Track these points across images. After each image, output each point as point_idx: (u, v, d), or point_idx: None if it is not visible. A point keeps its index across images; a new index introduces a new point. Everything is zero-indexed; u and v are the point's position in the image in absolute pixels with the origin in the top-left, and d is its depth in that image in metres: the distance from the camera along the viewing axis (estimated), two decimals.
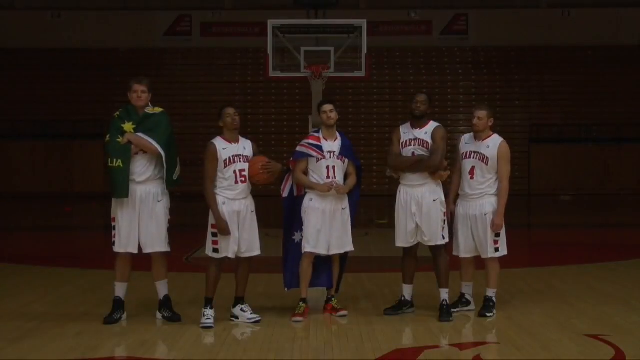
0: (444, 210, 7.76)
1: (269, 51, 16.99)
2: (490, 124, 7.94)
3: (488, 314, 7.81)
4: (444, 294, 7.69)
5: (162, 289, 7.74)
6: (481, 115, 7.86)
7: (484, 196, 7.89)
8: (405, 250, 7.90)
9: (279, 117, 29.88)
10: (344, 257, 8.10)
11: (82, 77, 29.89)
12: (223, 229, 7.40)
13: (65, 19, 31.44)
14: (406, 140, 7.79)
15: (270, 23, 17.15)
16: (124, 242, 7.54)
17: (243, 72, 31.00)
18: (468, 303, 8.10)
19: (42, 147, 28.61)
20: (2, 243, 15.63)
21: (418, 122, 7.81)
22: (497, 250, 7.90)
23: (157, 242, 7.59)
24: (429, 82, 30.69)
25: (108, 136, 7.62)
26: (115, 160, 7.49)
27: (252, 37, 29.61)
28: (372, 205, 22.01)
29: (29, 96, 29.37)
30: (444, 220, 7.76)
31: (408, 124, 7.90)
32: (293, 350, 6.58)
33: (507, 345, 6.79)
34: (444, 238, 7.75)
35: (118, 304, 7.60)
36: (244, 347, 6.70)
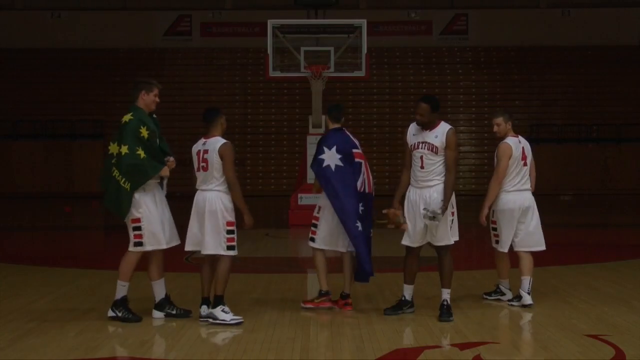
0: (453, 210, 7.66)
1: (269, 51, 17.00)
2: (509, 126, 8.25)
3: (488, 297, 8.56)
4: (446, 294, 7.67)
5: (163, 287, 7.77)
6: (498, 122, 8.24)
7: (500, 193, 8.27)
8: (409, 249, 7.83)
9: (279, 117, 29.90)
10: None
11: (82, 77, 29.90)
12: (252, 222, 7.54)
13: (65, 19, 31.46)
14: (415, 143, 7.66)
15: (270, 23, 17.16)
16: (156, 239, 7.53)
17: (243, 72, 31.01)
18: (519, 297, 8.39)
19: (42, 147, 28.62)
20: (2, 243, 15.63)
21: (427, 125, 7.70)
22: (496, 242, 8.39)
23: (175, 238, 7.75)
24: (429, 82, 30.70)
25: (127, 147, 7.39)
26: (125, 181, 7.40)
27: (252, 37, 29.64)
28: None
29: (29, 96, 29.38)
30: (452, 221, 7.67)
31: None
32: (293, 350, 6.58)
33: (507, 345, 6.79)
34: (452, 238, 7.69)
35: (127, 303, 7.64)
36: (244, 347, 6.69)
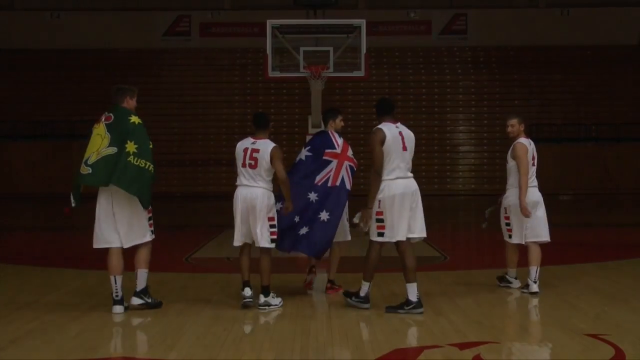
0: (379, 210, 7.93)
1: (268, 51, 16.98)
2: (522, 128, 8.84)
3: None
4: (365, 286, 7.96)
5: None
6: (513, 123, 8.84)
7: (510, 189, 8.84)
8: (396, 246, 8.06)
9: (279, 117, 29.91)
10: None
11: (82, 77, 29.91)
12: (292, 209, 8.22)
13: (65, 20, 31.47)
14: None
15: (270, 23, 17.14)
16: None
17: (243, 72, 31.02)
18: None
19: (42, 147, 28.62)
20: (2, 243, 15.63)
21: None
22: (509, 236, 8.86)
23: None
24: (428, 82, 30.71)
25: (151, 144, 7.79)
26: (151, 166, 7.72)
27: (252, 37, 29.64)
28: None
29: (29, 96, 29.38)
30: (380, 220, 7.96)
31: None
32: (293, 350, 6.58)
33: (507, 345, 6.79)
34: (380, 235, 7.98)
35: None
36: (244, 347, 6.70)
